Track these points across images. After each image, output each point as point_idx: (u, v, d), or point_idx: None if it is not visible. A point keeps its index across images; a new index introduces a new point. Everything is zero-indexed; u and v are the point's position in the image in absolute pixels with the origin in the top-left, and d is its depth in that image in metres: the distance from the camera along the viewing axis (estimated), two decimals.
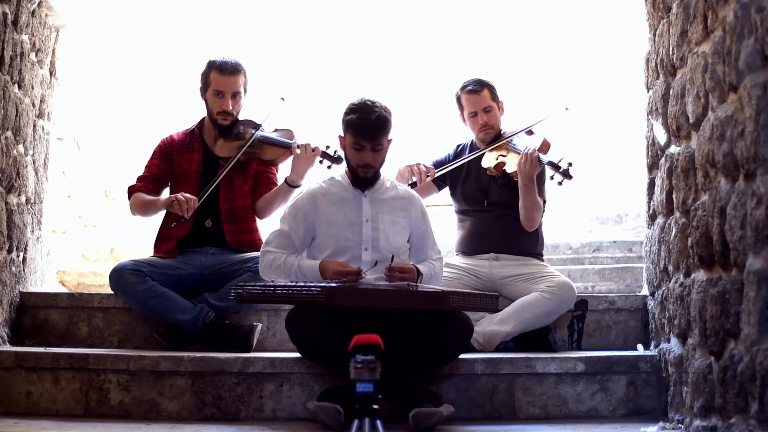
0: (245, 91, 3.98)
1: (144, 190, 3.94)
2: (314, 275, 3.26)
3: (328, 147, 3.92)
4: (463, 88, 4.08)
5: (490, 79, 4.12)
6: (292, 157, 3.94)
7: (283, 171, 4.03)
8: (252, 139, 3.91)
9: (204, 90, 3.98)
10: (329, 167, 3.90)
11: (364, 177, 3.42)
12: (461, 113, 4.12)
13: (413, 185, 3.92)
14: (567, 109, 4.07)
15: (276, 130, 4.02)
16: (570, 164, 3.80)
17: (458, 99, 4.10)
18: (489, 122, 4.05)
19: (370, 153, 3.36)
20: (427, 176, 4.03)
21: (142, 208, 3.94)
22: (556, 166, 3.82)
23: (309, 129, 4.22)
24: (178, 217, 3.76)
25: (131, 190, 3.96)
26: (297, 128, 4.03)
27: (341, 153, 3.86)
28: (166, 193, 4.01)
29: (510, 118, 4.17)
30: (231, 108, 3.93)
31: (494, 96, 4.07)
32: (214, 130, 3.99)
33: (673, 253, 3.05)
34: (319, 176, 3.68)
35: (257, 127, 3.98)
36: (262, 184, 4.01)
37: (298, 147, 3.91)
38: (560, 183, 3.83)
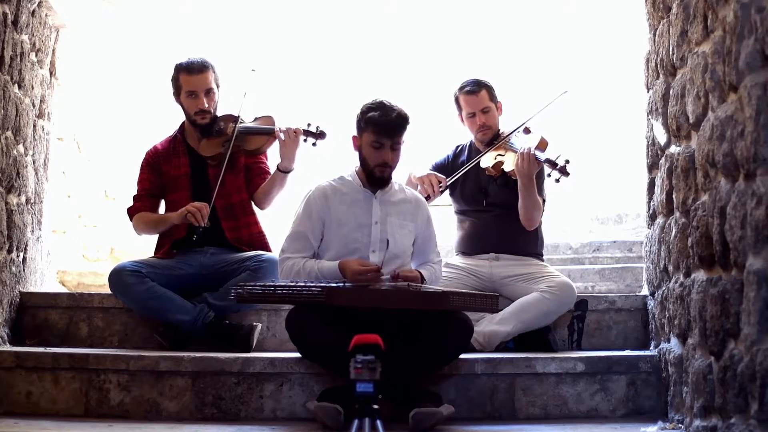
0: (218, 87, 3.98)
1: (144, 209, 3.92)
2: (334, 276, 3.25)
3: (309, 125, 3.93)
4: (461, 88, 4.06)
5: (489, 78, 4.11)
6: (277, 143, 3.93)
7: (273, 159, 4.03)
8: (234, 133, 3.91)
9: (177, 94, 3.99)
10: (314, 144, 3.93)
11: (380, 177, 3.39)
12: (459, 114, 4.10)
13: (426, 199, 3.81)
14: (566, 92, 4.03)
15: (256, 119, 4.03)
16: (567, 161, 3.78)
17: (456, 99, 4.09)
18: (487, 123, 4.03)
19: (389, 152, 3.34)
20: (440, 190, 3.97)
21: (151, 227, 3.92)
22: (553, 164, 3.79)
23: (288, 111, 4.21)
24: (195, 227, 3.73)
25: (132, 212, 3.94)
26: (276, 113, 4.03)
27: (324, 129, 3.92)
28: (162, 207, 4.00)
29: (509, 118, 4.16)
30: (207, 105, 3.93)
31: (492, 96, 4.05)
32: (195, 131, 3.98)
33: (673, 253, 3.05)
34: (328, 174, 3.59)
35: (236, 119, 3.98)
36: (255, 176, 4.00)
37: (281, 131, 3.91)
38: (558, 180, 3.80)
